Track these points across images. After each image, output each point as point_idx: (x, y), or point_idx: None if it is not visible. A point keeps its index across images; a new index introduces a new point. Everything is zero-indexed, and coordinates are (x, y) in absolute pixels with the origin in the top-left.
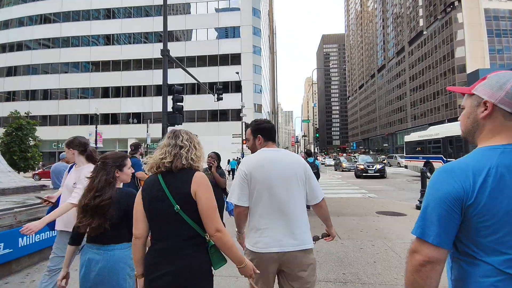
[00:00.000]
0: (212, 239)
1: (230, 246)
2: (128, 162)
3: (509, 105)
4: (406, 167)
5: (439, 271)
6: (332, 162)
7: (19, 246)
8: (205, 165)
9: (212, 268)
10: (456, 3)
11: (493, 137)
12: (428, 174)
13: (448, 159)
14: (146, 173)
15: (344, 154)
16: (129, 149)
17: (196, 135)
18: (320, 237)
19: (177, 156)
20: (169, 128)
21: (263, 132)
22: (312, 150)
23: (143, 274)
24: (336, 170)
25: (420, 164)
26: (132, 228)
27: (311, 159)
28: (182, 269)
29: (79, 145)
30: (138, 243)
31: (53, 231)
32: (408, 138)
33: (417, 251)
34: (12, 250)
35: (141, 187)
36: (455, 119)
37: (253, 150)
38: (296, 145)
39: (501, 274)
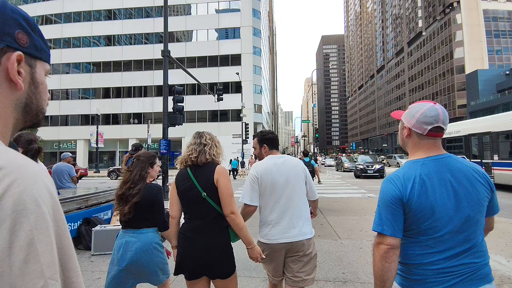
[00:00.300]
0: (227, 219)
1: (241, 227)
2: (157, 160)
3: (419, 129)
4: None
5: (398, 254)
6: (333, 163)
7: None
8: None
9: (230, 240)
10: (455, 4)
11: (416, 152)
12: None
13: (471, 160)
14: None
15: (344, 154)
16: (130, 149)
17: (215, 136)
18: None
19: (201, 152)
20: (169, 129)
21: (268, 142)
22: (312, 151)
23: (177, 246)
24: (337, 170)
25: None
26: (159, 215)
27: (307, 159)
28: (204, 247)
29: (24, 142)
30: (173, 222)
31: None
32: None
33: (381, 242)
34: None
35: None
36: (455, 120)
37: (260, 157)
38: (296, 145)
39: (428, 247)
